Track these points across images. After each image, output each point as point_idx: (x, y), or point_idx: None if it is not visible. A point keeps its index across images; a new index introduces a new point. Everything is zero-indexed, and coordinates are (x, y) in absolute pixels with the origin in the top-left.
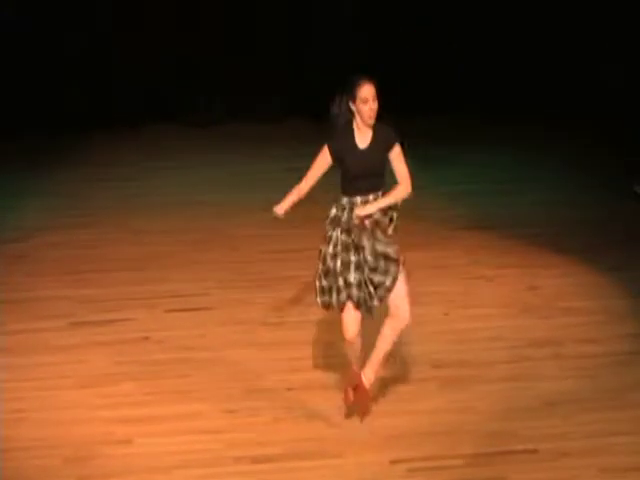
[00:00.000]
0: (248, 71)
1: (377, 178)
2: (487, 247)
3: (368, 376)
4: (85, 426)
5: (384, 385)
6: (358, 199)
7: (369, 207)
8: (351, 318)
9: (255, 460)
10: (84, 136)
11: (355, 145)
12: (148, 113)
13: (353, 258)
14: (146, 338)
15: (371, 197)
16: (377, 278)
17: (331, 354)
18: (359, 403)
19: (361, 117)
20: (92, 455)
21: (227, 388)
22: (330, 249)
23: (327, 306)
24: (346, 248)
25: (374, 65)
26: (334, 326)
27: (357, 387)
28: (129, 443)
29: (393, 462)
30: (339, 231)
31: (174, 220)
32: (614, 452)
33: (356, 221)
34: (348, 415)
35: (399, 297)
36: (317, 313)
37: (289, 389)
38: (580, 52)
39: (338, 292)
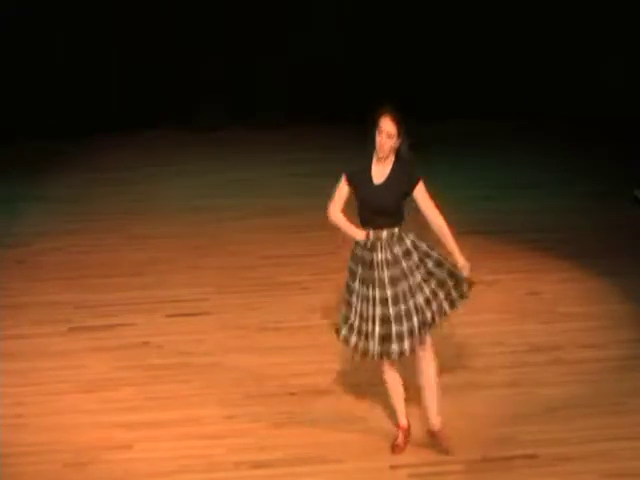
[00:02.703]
0: (250, 76)
1: (391, 217)
2: (488, 252)
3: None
4: (85, 431)
5: (384, 391)
6: (371, 233)
7: (460, 258)
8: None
9: (255, 465)
10: (84, 141)
11: (370, 180)
12: (149, 118)
13: (376, 294)
14: (146, 343)
15: (384, 233)
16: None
17: (331, 359)
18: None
19: (376, 147)
20: (92, 460)
21: (227, 393)
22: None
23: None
24: (366, 283)
25: (375, 70)
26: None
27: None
28: (129, 448)
29: (393, 467)
30: (360, 267)
31: (174, 225)
32: (615, 457)
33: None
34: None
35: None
36: (317, 318)
37: (289, 394)
38: (581, 56)
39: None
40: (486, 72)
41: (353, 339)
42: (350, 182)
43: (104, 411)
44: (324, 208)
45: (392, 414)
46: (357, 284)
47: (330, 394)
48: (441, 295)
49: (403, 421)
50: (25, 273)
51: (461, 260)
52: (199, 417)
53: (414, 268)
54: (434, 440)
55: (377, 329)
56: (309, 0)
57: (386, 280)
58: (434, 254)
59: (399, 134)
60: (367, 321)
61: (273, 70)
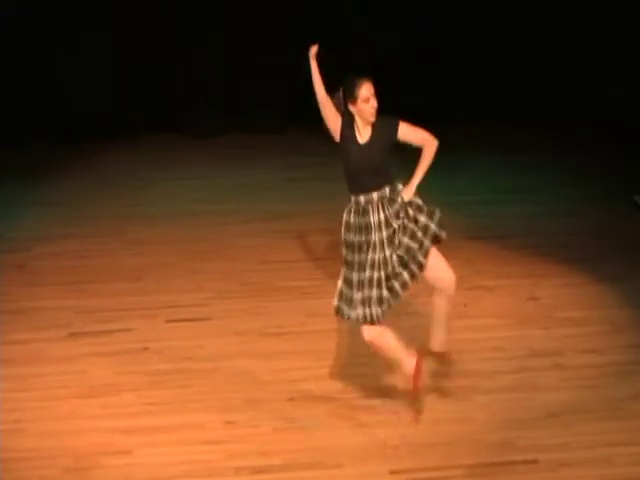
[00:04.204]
0: (249, 80)
1: (379, 175)
2: (488, 257)
3: (440, 342)
4: (85, 436)
5: (384, 395)
6: (362, 198)
7: (412, 185)
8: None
9: (255, 470)
10: (83, 144)
11: (356, 140)
12: (148, 122)
13: (375, 256)
14: (146, 348)
15: (375, 195)
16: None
17: (331, 364)
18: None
19: (363, 116)
20: (92, 466)
21: (227, 398)
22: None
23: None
24: (362, 249)
25: (375, 72)
26: (334, 335)
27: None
28: (129, 453)
29: (393, 472)
30: (354, 234)
31: (173, 230)
32: (615, 463)
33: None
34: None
35: (438, 269)
36: (317, 323)
37: (289, 399)
38: (581, 60)
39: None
40: (485, 75)
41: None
42: (342, 124)
43: (104, 416)
44: (324, 212)
45: (392, 419)
46: (355, 254)
47: (330, 399)
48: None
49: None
50: (24, 278)
51: (410, 188)
52: (199, 422)
53: (403, 226)
54: (437, 358)
55: (374, 292)
56: (309, 0)
57: (383, 241)
58: (423, 216)
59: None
60: (365, 286)
61: (273, 73)
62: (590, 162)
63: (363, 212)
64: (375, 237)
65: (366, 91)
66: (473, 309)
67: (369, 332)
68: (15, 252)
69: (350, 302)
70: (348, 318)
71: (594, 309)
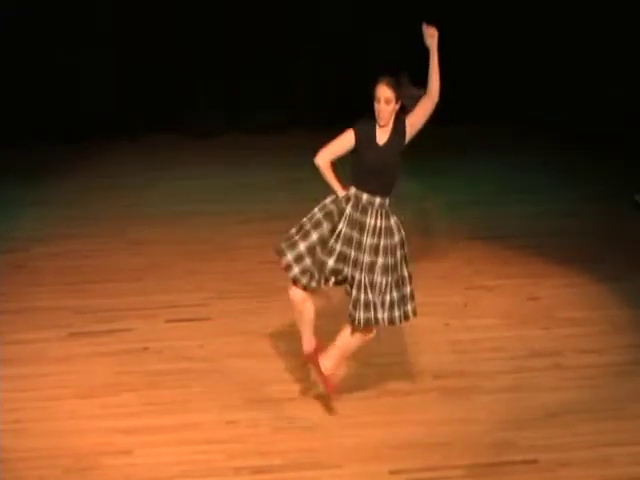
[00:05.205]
0: (249, 81)
1: (388, 179)
2: (488, 257)
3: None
4: (85, 436)
5: (384, 395)
6: (364, 196)
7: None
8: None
9: (255, 470)
10: (83, 145)
11: (375, 140)
12: (148, 123)
13: (347, 251)
14: (146, 348)
15: (377, 200)
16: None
17: None
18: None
19: (376, 116)
20: (92, 465)
21: (227, 398)
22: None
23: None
24: (346, 241)
25: (372, 76)
26: (334, 335)
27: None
28: (129, 453)
29: (392, 473)
30: (344, 223)
31: (173, 230)
32: (615, 463)
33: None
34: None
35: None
36: (317, 323)
37: (289, 399)
38: (580, 61)
39: (313, 275)
40: (485, 75)
41: (296, 270)
42: (357, 138)
43: (104, 416)
44: None
45: (392, 419)
46: (328, 231)
47: (330, 399)
48: (395, 295)
49: (312, 344)
50: (24, 278)
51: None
52: (199, 422)
53: (389, 249)
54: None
55: (331, 281)
56: (310, 1)
57: (369, 247)
58: (405, 250)
59: (397, 98)
60: (322, 268)
61: (273, 73)
62: (590, 162)
63: (362, 210)
64: (367, 240)
65: (378, 91)
66: (473, 309)
67: (292, 292)
68: (15, 252)
69: (296, 252)
70: (283, 262)
71: (594, 309)
